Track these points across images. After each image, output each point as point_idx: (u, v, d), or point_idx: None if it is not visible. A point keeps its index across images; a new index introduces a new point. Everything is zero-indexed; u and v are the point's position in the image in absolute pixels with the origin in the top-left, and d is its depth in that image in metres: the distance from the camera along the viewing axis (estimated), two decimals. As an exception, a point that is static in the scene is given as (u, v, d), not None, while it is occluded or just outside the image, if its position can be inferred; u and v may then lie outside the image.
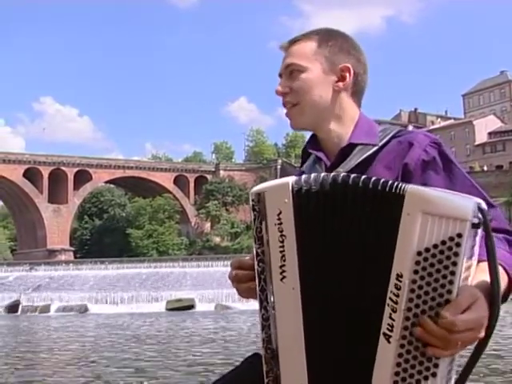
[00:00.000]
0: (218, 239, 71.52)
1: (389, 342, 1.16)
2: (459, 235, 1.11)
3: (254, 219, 1.29)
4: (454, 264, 1.11)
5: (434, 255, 1.12)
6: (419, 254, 1.13)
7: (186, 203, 76.73)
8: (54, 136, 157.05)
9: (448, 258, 1.11)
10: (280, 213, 1.26)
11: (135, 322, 19.73)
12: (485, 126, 78.61)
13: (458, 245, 1.11)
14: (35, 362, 9.57)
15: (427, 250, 1.13)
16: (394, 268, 1.16)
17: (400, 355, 1.15)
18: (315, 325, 1.25)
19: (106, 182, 78.98)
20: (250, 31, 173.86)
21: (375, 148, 1.46)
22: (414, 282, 1.13)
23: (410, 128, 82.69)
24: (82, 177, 73.38)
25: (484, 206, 1.16)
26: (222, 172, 79.14)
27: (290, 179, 1.28)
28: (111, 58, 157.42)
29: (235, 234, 70.62)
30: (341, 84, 1.52)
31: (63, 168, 72.43)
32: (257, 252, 1.30)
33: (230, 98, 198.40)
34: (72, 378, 7.79)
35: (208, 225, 75.04)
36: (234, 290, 1.46)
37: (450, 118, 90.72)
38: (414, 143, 1.43)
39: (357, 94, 1.56)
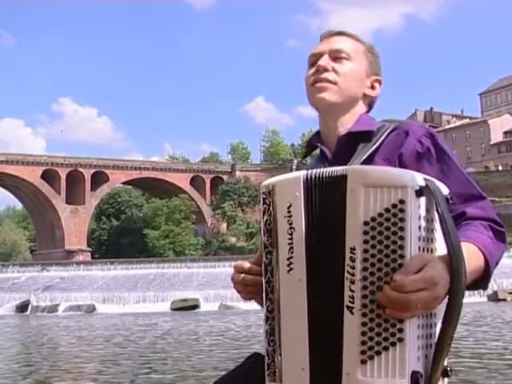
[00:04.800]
0: (233, 239, 71.63)
1: (352, 313, 1.19)
2: (402, 201, 1.16)
3: (264, 211, 1.32)
4: (402, 229, 1.15)
5: (380, 223, 1.17)
6: (366, 223, 1.18)
7: (202, 204, 77.07)
8: (74, 136, 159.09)
9: (394, 224, 1.16)
10: (290, 206, 1.29)
11: (140, 321, 20.01)
12: (500, 126, 77.78)
13: (402, 210, 1.15)
14: (38, 362, 9.45)
15: (373, 219, 1.17)
16: (347, 242, 1.20)
17: (364, 324, 1.17)
18: (318, 316, 1.27)
19: (123, 183, 79.53)
20: (267, 30, 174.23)
21: (376, 144, 1.49)
22: (365, 251, 1.17)
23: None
24: (98, 178, 74.07)
25: (433, 180, 1.22)
26: (237, 173, 79.49)
27: (302, 173, 1.30)
28: (129, 58, 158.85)
29: (250, 234, 70.73)
30: (371, 92, 1.62)
31: (80, 169, 73.18)
32: (265, 244, 1.32)
33: (247, 98, 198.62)
34: (78, 376, 7.86)
35: (224, 225, 75.21)
36: None
37: (465, 117, 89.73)
38: (410, 133, 1.48)
39: (370, 107, 1.65)
